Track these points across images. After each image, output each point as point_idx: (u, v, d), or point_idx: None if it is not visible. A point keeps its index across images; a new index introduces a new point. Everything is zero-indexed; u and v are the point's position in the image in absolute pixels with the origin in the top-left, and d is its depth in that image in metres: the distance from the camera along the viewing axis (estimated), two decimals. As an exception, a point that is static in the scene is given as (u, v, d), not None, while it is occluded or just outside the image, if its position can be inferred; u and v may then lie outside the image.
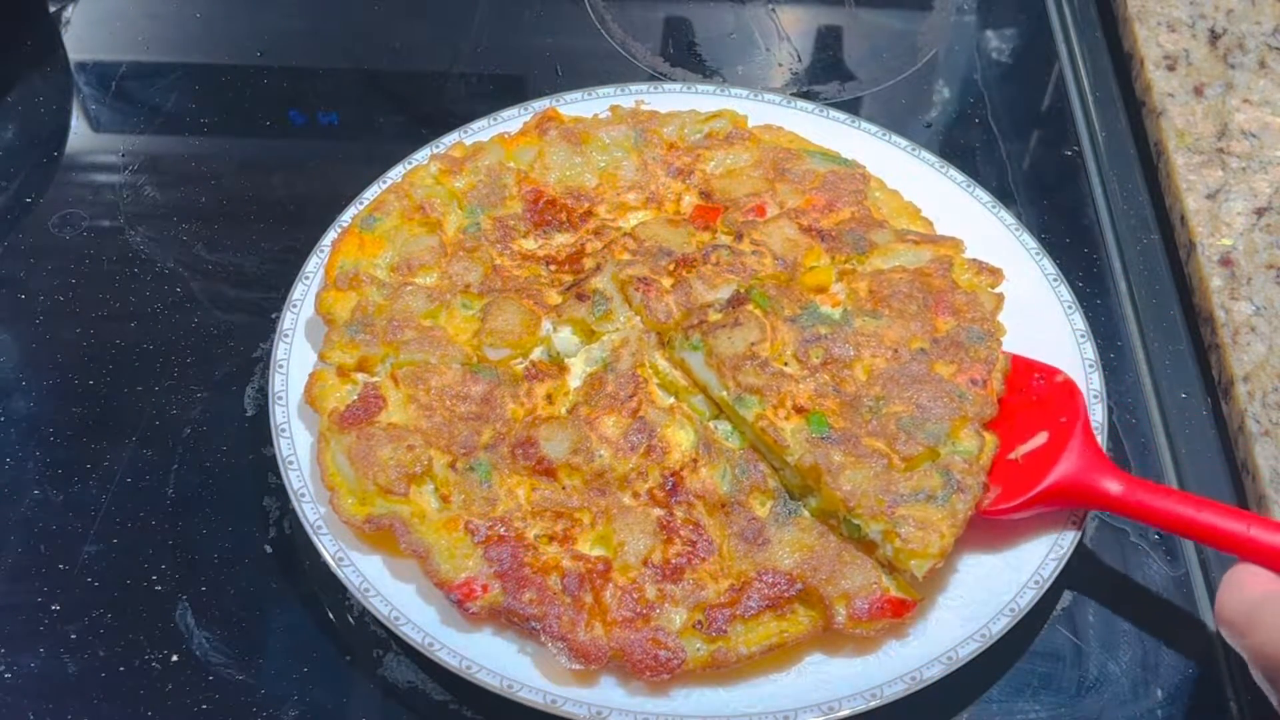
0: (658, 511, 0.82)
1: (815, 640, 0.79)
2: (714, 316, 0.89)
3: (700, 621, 0.77)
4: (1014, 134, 1.15)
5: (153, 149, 1.11)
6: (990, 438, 0.84)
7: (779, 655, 0.78)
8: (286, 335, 0.91)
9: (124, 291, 1.00)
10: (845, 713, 0.76)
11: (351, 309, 0.90)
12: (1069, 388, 0.86)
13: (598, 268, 0.92)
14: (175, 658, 0.81)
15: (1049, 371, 0.87)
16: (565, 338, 0.90)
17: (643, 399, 0.87)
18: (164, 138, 1.12)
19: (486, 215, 0.97)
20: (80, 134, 1.13)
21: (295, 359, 0.89)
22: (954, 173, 1.02)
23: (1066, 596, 0.85)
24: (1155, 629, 0.84)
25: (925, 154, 1.03)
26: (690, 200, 0.99)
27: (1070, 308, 0.93)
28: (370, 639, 0.83)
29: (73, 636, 0.82)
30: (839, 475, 0.81)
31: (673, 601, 0.78)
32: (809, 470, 0.82)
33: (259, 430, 0.91)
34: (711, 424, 0.87)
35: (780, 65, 1.21)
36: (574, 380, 0.89)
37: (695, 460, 0.84)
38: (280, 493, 0.88)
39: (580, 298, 0.90)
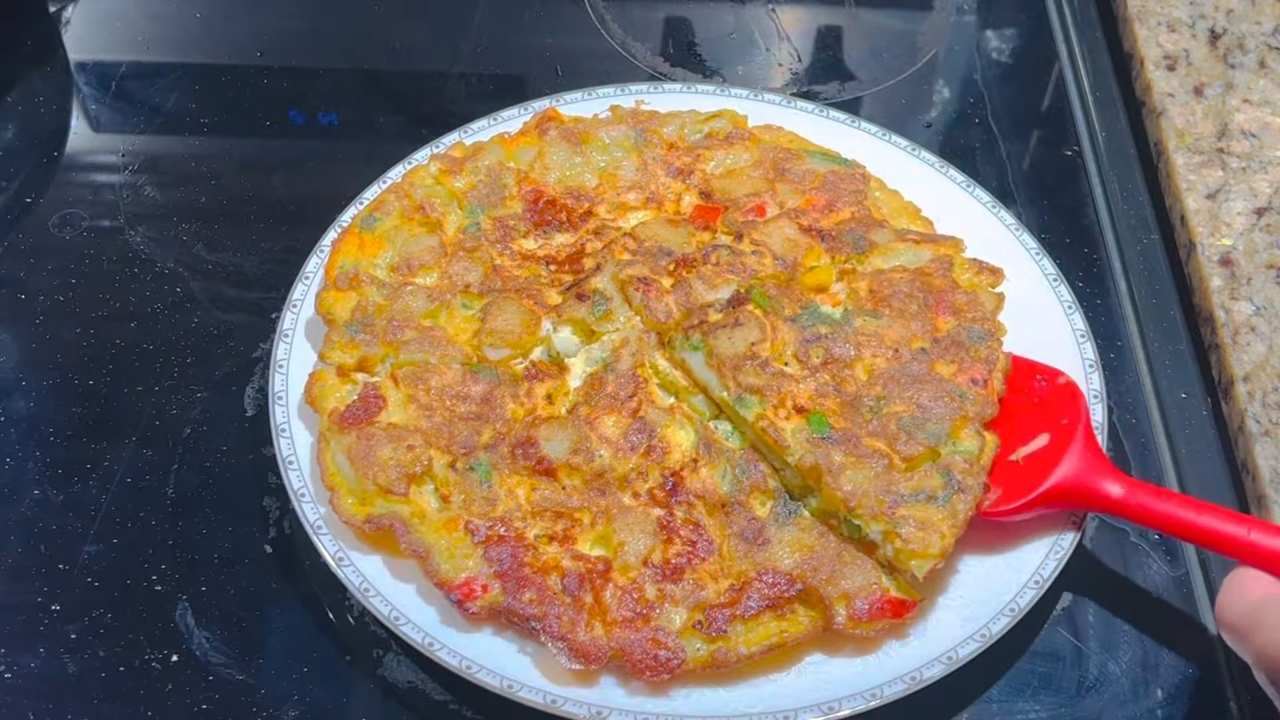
0: (658, 511, 0.82)
1: (815, 640, 0.79)
2: (714, 316, 0.89)
3: (700, 621, 0.77)
4: (1014, 134, 1.15)
5: (153, 149, 1.11)
6: (991, 438, 0.84)
7: (779, 655, 0.78)
8: (286, 335, 0.91)
9: (124, 291, 1.00)
10: (845, 713, 0.76)
11: (351, 309, 0.90)
12: (1071, 390, 0.86)
13: (598, 268, 0.92)
14: (175, 658, 0.81)
15: (1051, 373, 0.87)
16: (565, 338, 0.90)
17: (643, 399, 0.87)
18: (164, 138, 1.12)
19: (486, 215, 0.97)
20: (80, 134, 1.13)
21: (295, 359, 0.89)
22: (954, 173, 1.02)
23: (1066, 596, 0.85)
24: (1155, 629, 0.84)
25: (925, 154, 1.03)
26: (690, 200, 0.99)
27: (1070, 308, 0.93)
28: (370, 639, 0.83)
29: (73, 636, 0.82)
30: (839, 475, 0.81)
31: (673, 601, 0.78)
32: (809, 470, 0.82)
33: (259, 430, 0.91)
34: (712, 424, 0.87)
35: (780, 65, 1.21)
36: (574, 380, 0.89)
37: (695, 460, 0.84)
38: (280, 493, 0.88)
39: (580, 298, 0.90)
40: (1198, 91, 1.10)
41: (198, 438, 0.92)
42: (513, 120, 1.04)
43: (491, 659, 0.77)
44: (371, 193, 0.98)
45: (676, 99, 1.06)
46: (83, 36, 1.20)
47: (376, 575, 0.80)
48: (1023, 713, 0.81)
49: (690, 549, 0.81)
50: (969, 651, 0.78)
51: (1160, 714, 0.81)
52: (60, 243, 1.03)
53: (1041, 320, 0.93)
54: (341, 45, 1.21)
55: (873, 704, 0.76)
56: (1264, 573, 0.73)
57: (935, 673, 0.77)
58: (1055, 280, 0.95)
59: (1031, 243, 0.97)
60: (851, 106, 1.16)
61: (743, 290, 0.91)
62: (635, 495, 0.83)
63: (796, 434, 0.83)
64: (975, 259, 0.94)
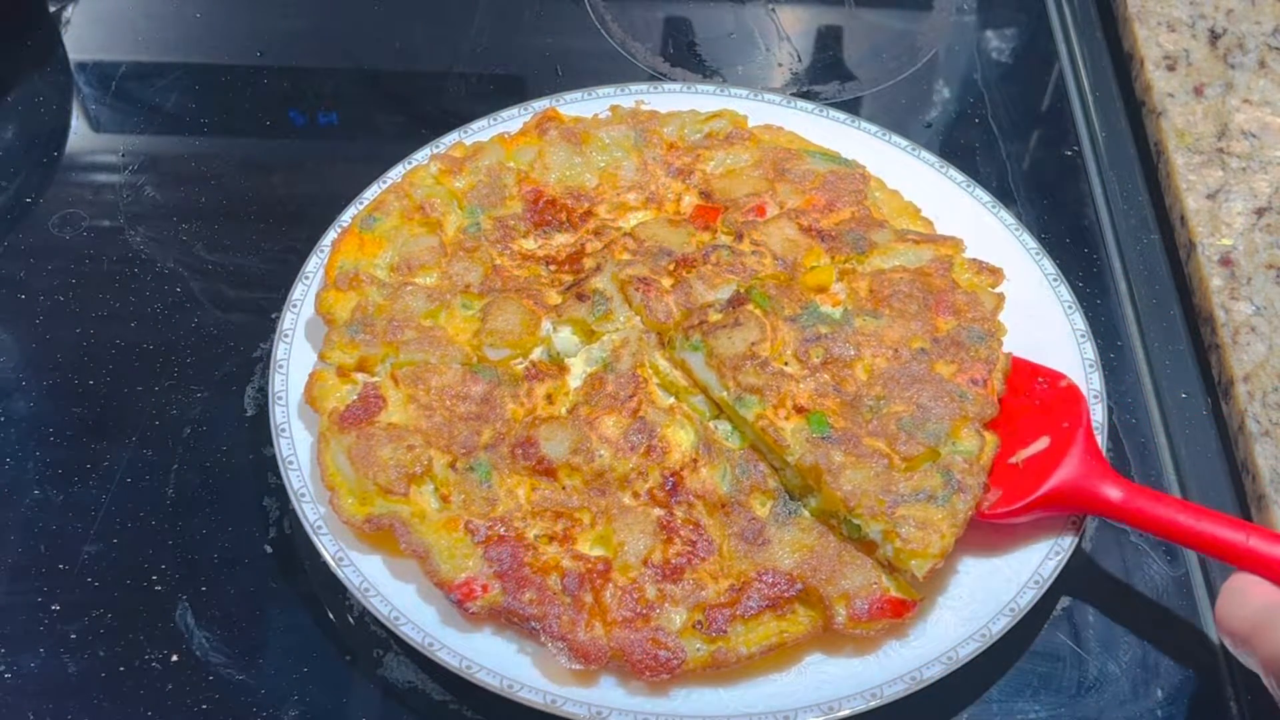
0: (658, 511, 0.82)
1: (815, 640, 0.79)
2: (714, 316, 0.89)
3: (700, 621, 0.77)
4: (1014, 134, 1.15)
5: (153, 149, 1.11)
6: (991, 437, 0.84)
7: (779, 655, 0.78)
8: (286, 335, 0.90)
9: (124, 291, 1.00)
10: (845, 713, 0.76)
11: (351, 309, 0.90)
12: (1072, 393, 0.86)
13: (598, 268, 0.92)
14: (175, 658, 0.81)
15: (1053, 376, 0.87)
16: (565, 338, 0.90)
17: (643, 399, 0.87)
18: (164, 138, 1.12)
19: (486, 215, 0.97)
20: (80, 134, 1.13)
21: (295, 359, 0.89)
22: (954, 173, 1.02)
23: (1066, 597, 0.85)
24: (1155, 629, 0.84)
25: (925, 154, 1.03)
26: (690, 200, 0.99)
27: (1070, 308, 0.93)
28: (370, 639, 0.83)
29: (73, 636, 0.82)
30: (839, 475, 0.81)
31: (673, 601, 0.78)
32: (809, 470, 0.82)
33: (259, 430, 0.91)
34: (712, 424, 0.87)
35: (780, 65, 1.21)
36: (574, 380, 0.89)
37: (695, 460, 0.84)
38: (280, 493, 0.88)
39: (580, 298, 0.90)
40: (1198, 91, 1.10)
41: (198, 438, 0.92)
42: (513, 120, 1.04)
43: (491, 659, 0.77)
44: (371, 193, 0.98)
45: (676, 99, 1.06)
46: (83, 36, 1.20)
47: (376, 575, 0.80)
48: (1023, 713, 0.81)
49: (690, 549, 0.81)
50: (969, 651, 0.78)
51: (1160, 714, 0.81)
52: (60, 243, 1.03)
53: (1041, 320, 0.93)
54: (341, 45, 1.21)
55: (873, 704, 0.76)
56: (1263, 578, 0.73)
57: (935, 673, 0.77)
58: (1055, 280, 0.95)
59: (1031, 243, 0.97)
60: (851, 106, 1.16)
61: (743, 290, 0.91)
62: (635, 495, 0.83)
63: (796, 434, 0.83)
64: (975, 259, 0.94)
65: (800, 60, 1.22)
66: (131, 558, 0.85)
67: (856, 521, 0.80)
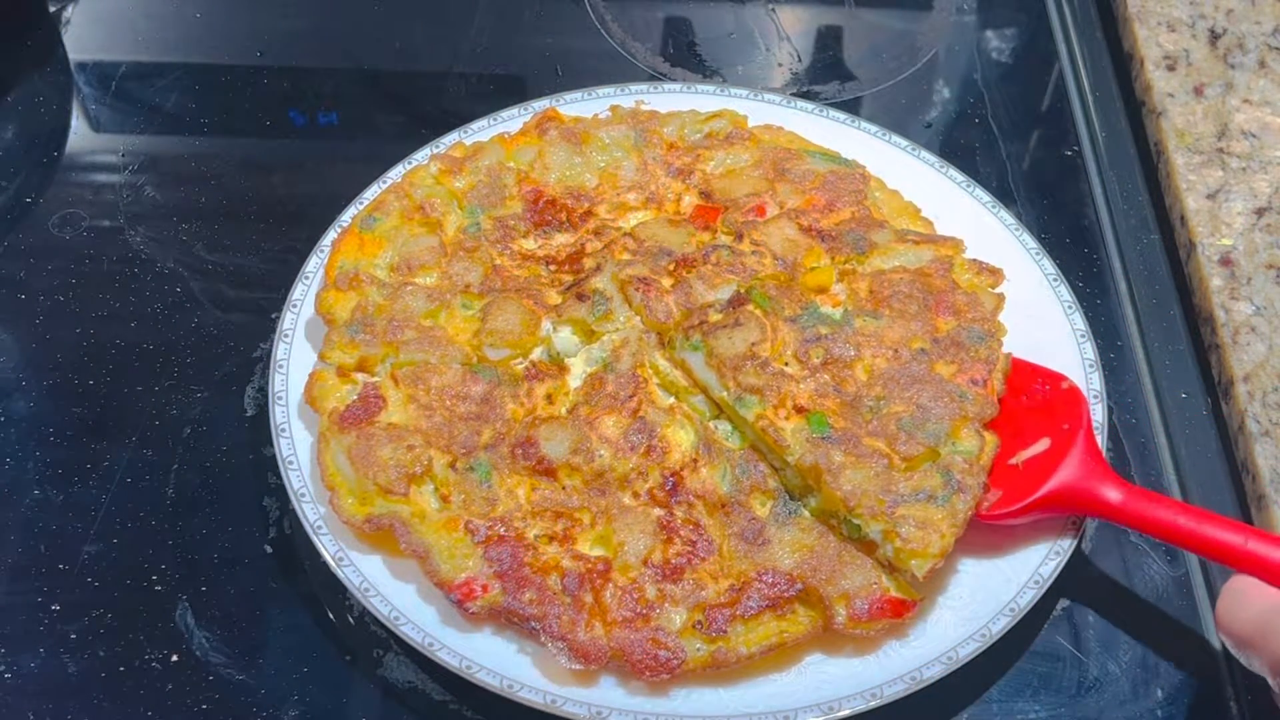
0: (658, 511, 0.82)
1: (815, 640, 0.79)
2: (714, 317, 0.89)
3: (700, 621, 0.77)
4: (1014, 134, 1.15)
5: (153, 149, 1.11)
6: (991, 438, 0.84)
7: (779, 655, 0.78)
8: (286, 335, 0.90)
9: (124, 291, 1.00)
10: (845, 713, 0.76)
11: (351, 309, 0.90)
12: (1073, 394, 0.86)
13: (598, 268, 0.92)
14: (175, 658, 0.81)
15: (1054, 378, 0.87)
16: (565, 338, 0.90)
17: (643, 399, 0.87)
18: (164, 138, 1.12)
19: (486, 215, 0.97)
20: (80, 134, 1.13)
21: (295, 359, 0.89)
22: (954, 173, 1.02)
23: (1066, 597, 0.85)
24: (1155, 629, 0.84)
25: (925, 154, 1.03)
26: (690, 200, 0.99)
27: (1070, 308, 0.93)
28: (370, 639, 0.83)
29: (73, 636, 0.82)
30: (839, 475, 0.81)
31: (673, 601, 0.78)
32: (809, 470, 0.82)
33: (259, 430, 0.91)
34: (712, 424, 0.87)
35: (780, 65, 1.21)
36: (574, 380, 0.89)
37: (695, 460, 0.84)
38: (280, 493, 0.88)
39: (580, 298, 0.90)
40: (1198, 91, 1.10)
41: (198, 438, 0.92)
42: (513, 120, 1.04)
43: (491, 659, 0.77)
44: (371, 193, 0.98)
45: (676, 99, 1.06)
46: (83, 36, 1.20)
47: (376, 575, 0.80)
48: (1023, 713, 0.81)
49: (690, 549, 0.81)
50: (969, 651, 0.78)
51: (1160, 714, 0.81)
52: (60, 243, 1.03)
53: (1041, 320, 0.93)
54: (341, 45, 1.21)
55: (873, 704, 0.76)
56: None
57: (935, 673, 0.77)
58: (1055, 280, 0.95)
59: (1031, 243, 0.97)
60: (851, 106, 1.16)
61: (743, 290, 0.91)
62: (635, 495, 0.83)
63: (796, 434, 0.83)
64: (975, 259, 0.94)
65: (800, 60, 1.22)
66: (131, 558, 0.85)
67: (856, 521, 0.80)
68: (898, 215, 0.98)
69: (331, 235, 0.96)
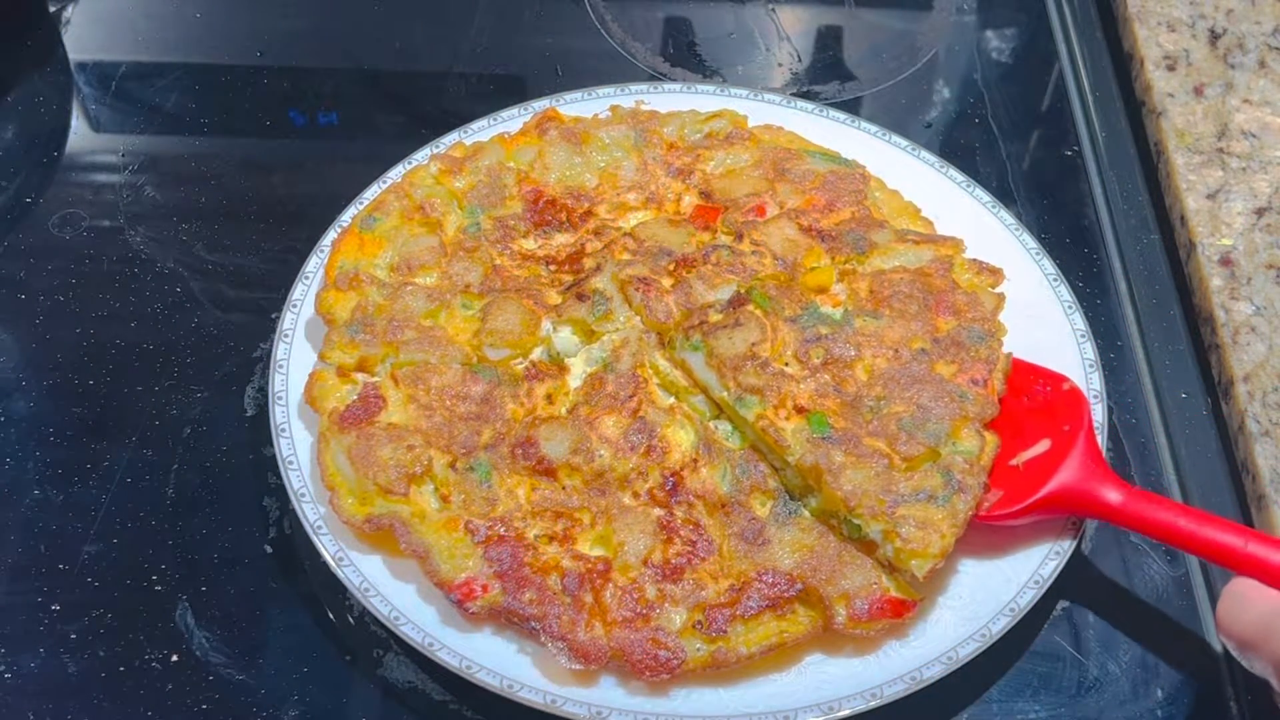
0: (658, 511, 0.82)
1: (815, 640, 0.79)
2: (714, 317, 0.89)
3: (700, 621, 0.77)
4: (1014, 134, 1.15)
5: (153, 149, 1.11)
6: (991, 437, 0.84)
7: (779, 655, 0.78)
8: (286, 335, 0.90)
9: (124, 291, 1.00)
10: (845, 713, 0.76)
11: (351, 309, 0.90)
12: (1074, 396, 0.86)
13: (598, 268, 0.92)
14: (175, 658, 0.81)
15: (1056, 379, 0.87)
16: (565, 338, 0.90)
17: (643, 399, 0.87)
18: (164, 138, 1.12)
19: (486, 215, 0.97)
20: (80, 134, 1.13)
21: (295, 359, 0.89)
22: (954, 173, 1.02)
23: (1066, 597, 0.85)
24: (1155, 629, 0.84)
25: (925, 154, 1.03)
26: (690, 200, 0.99)
27: (1070, 308, 0.93)
28: (370, 639, 0.83)
29: (73, 636, 0.82)
30: (840, 475, 0.81)
31: (673, 601, 0.78)
32: (810, 470, 0.82)
33: (259, 430, 0.91)
34: (712, 424, 0.87)
35: (780, 65, 1.21)
36: (574, 380, 0.89)
37: (695, 460, 0.84)
38: (280, 493, 0.88)
39: (580, 298, 0.90)
40: (1198, 91, 1.10)
41: (198, 438, 0.92)
42: (513, 120, 1.04)
43: (491, 659, 0.77)
44: (371, 193, 0.98)
45: (676, 99, 1.06)
46: (83, 36, 1.20)
47: (376, 575, 0.80)
48: (1023, 713, 0.81)
49: (690, 549, 0.81)
50: (969, 651, 0.78)
51: (1160, 714, 0.81)
52: (60, 243, 1.03)
53: (1041, 320, 0.93)
54: (341, 45, 1.21)
55: (873, 704, 0.76)
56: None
57: (935, 673, 0.77)
58: (1055, 280, 0.95)
59: (1031, 243, 0.97)
60: (851, 106, 1.16)
61: (743, 290, 0.91)
62: (635, 495, 0.83)
63: (797, 434, 0.83)
64: (975, 259, 0.94)
65: (800, 60, 1.22)
66: (131, 558, 0.85)
67: (857, 521, 0.80)
68: (898, 215, 0.98)
69: (331, 235, 0.96)
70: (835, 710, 0.75)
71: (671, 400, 0.88)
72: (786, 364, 0.87)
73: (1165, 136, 1.07)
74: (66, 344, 0.97)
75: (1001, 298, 0.92)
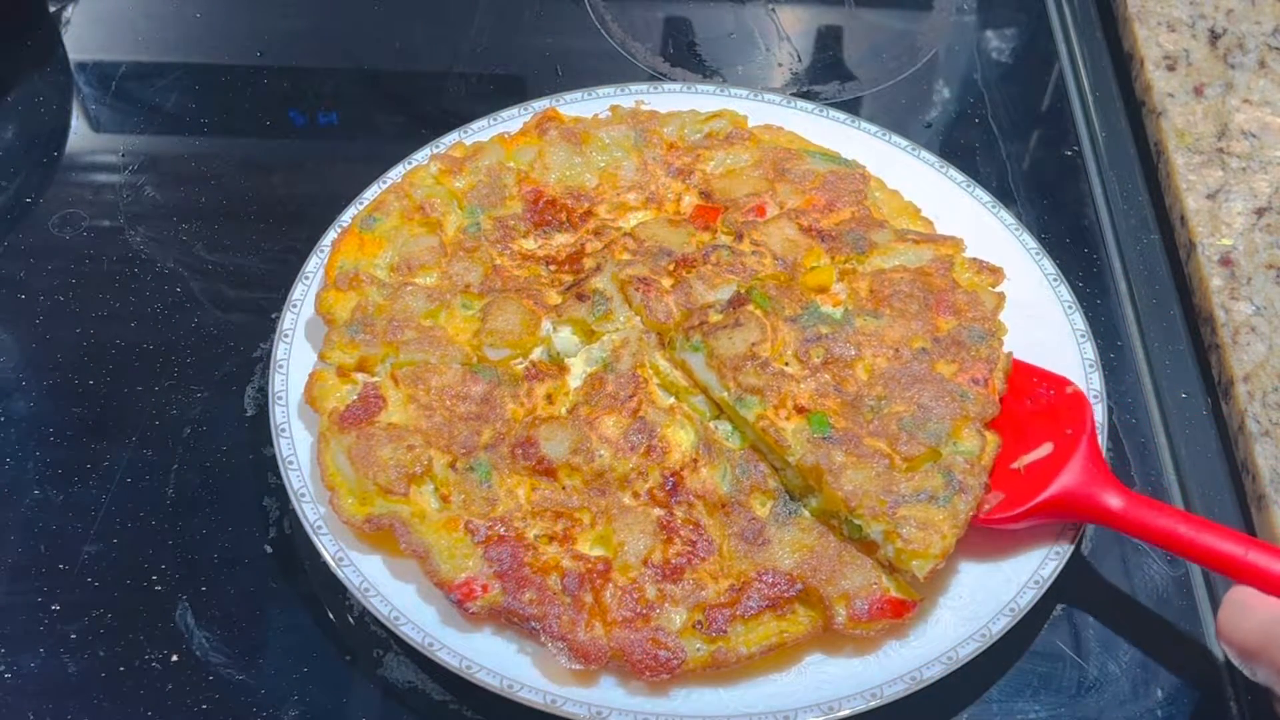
0: (658, 511, 0.82)
1: (815, 640, 0.79)
2: (714, 317, 0.89)
3: (700, 621, 0.77)
4: (1014, 134, 1.15)
5: (153, 149, 1.11)
6: (992, 437, 0.84)
7: (779, 655, 0.78)
8: (286, 335, 0.90)
9: (124, 291, 1.00)
10: (845, 713, 0.76)
11: (351, 309, 0.90)
12: (1077, 399, 0.85)
13: (598, 268, 0.92)
14: (175, 658, 0.81)
15: (1059, 382, 0.87)
16: (565, 338, 0.90)
17: (643, 399, 0.87)
18: (164, 138, 1.12)
19: (486, 215, 0.97)
20: (80, 134, 1.13)
21: (295, 359, 0.89)
22: (954, 173, 1.02)
23: (1066, 597, 0.85)
24: (1155, 629, 0.84)
25: (925, 154, 1.03)
26: (690, 200, 0.99)
27: (1070, 308, 0.93)
28: (370, 639, 0.83)
29: (73, 636, 0.82)
30: (840, 475, 0.81)
31: (673, 601, 0.78)
32: (810, 470, 0.82)
33: (259, 430, 0.91)
34: (712, 424, 0.87)
35: (780, 65, 1.21)
36: (574, 380, 0.89)
37: (695, 460, 0.84)
38: (280, 493, 0.88)
39: (580, 298, 0.90)
40: (1198, 91, 1.10)
41: (198, 438, 0.92)
42: (513, 120, 1.04)
43: (491, 659, 0.77)
44: (371, 193, 0.98)
45: (676, 99, 1.06)
46: (83, 36, 1.20)
47: (376, 575, 0.80)
48: (1023, 713, 0.81)
49: (690, 549, 0.81)
50: (969, 651, 0.78)
51: (1160, 714, 0.81)
52: (60, 243, 1.03)
53: (1041, 320, 0.93)
54: (341, 45, 1.21)
55: (873, 704, 0.76)
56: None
57: (935, 673, 0.77)
58: (1055, 280, 0.95)
59: (1031, 243, 0.97)
60: (851, 106, 1.16)
61: (743, 290, 0.91)
62: (635, 495, 0.83)
63: (797, 434, 0.83)
64: (975, 259, 0.94)
65: (800, 60, 1.22)
66: (131, 558, 0.85)
67: (858, 522, 0.80)
68: (898, 215, 0.98)
69: (331, 235, 0.96)
70: (835, 710, 0.75)
71: (671, 400, 0.88)
72: (786, 364, 0.87)
73: (1165, 136, 1.07)
74: (66, 344, 0.97)
75: (1002, 297, 0.92)
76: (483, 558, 0.79)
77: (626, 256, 0.93)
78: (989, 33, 1.25)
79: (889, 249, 0.94)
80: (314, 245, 0.95)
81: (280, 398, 0.87)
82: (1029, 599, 0.80)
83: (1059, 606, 0.85)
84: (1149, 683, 0.82)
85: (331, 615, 0.84)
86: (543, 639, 0.76)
